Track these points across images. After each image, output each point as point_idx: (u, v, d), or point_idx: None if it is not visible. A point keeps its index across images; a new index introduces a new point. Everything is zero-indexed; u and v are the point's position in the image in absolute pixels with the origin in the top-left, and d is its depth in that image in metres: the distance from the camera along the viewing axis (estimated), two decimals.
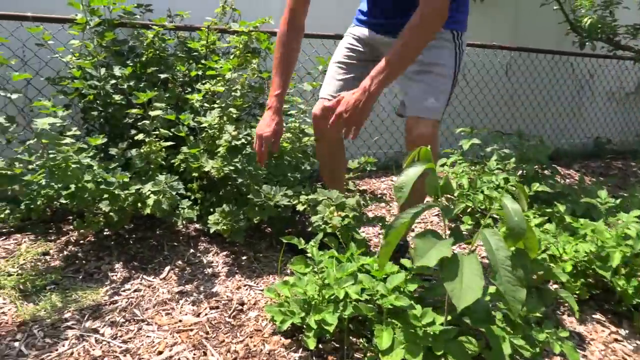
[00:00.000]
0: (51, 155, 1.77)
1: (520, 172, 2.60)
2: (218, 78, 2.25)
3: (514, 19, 4.12)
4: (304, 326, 1.32)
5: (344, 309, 1.26)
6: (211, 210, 2.09)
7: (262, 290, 1.74)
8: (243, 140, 2.00)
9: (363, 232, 2.30)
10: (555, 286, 1.83)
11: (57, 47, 2.19)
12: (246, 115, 2.34)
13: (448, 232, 1.48)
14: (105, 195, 1.90)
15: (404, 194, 1.10)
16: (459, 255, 1.09)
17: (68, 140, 1.83)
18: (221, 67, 2.24)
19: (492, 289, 1.29)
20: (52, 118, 1.77)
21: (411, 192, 1.09)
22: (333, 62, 1.86)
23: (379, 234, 2.30)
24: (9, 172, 1.85)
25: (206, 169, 1.98)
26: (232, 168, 1.93)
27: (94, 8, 2.21)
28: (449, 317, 1.24)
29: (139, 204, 1.92)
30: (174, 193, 1.85)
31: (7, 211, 2.07)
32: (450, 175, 2.56)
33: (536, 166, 2.60)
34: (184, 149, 2.15)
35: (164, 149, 2.07)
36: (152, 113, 1.83)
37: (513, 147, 2.79)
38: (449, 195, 2.57)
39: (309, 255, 1.53)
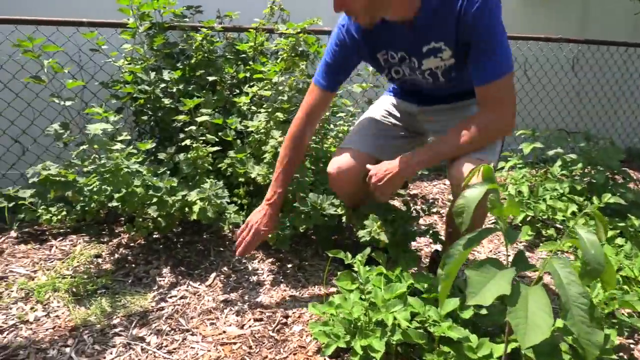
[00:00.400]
0: (102, 161, 1.80)
1: (588, 179, 2.39)
2: (265, 81, 2.22)
3: (582, 10, 3.82)
4: (350, 348, 1.26)
5: (392, 334, 1.19)
6: None
7: (307, 302, 1.69)
8: None
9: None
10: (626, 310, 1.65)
11: (110, 52, 2.24)
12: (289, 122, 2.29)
13: (509, 258, 1.36)
14: (154, 200, 1.92)
15: (465, 220, 1.00)
16: (523, 287, 0.98)
17: (118, 146, 1.85)
18: (269, 71, 2.21)
19: (558, 323, 1.17)
20: (104, 124, 1.80)
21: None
22: (368, 116, 1.79)
23: (430, 243, 2.20)
24: (62, 179, 1.92)
25: (252, 176, 1.96)
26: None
27: (145, 13, 2.23)
28: (509, 349, 1.14)
29: (186, 209, 1.93)
30: (219, 201, 1.83)
31: (64, 212, 2.15)
32: (508, 181, 2.41)
33: (607, 173, 2.38)
34: (231, 152, 2.14)
35: (210, 154, 2.07)
36: (199, 119, 1.82)
37: (579, 150, 2.58)
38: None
39: (356, 269, 1.47)
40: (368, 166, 1.49)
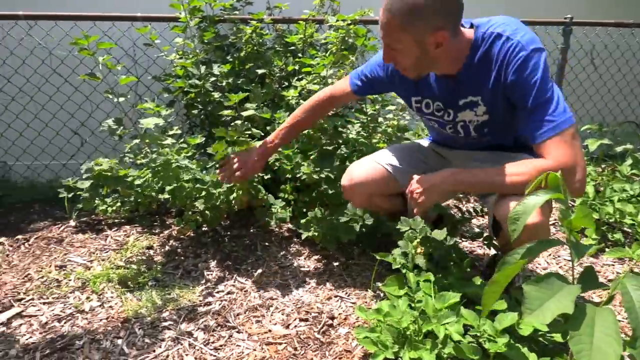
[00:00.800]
0: (153, 156, 1.83)
1: None
2: (313, 75, 2.17)
3: None
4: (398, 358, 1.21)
5: (443, 347, 1.13)
6: (304, 210, 2.05)
7: (353, 303, 1.66)
8: (336, 145, 1.90)
9: (465, 241, 2.10)
10: None
11: (163, 46, 2.27)
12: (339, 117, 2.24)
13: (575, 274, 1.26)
14: (203, 193, 1.94)
15: (518, 227, 0.92)
16: (590, 307, 0.89)
17: (169, 140, 1.88)
18: (317, 64, 2.16)
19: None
20: (156, 118, 1.82)
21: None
22: (403, 144, 1.82)
23: (484, 243, 2.08)
24: (113, 174, 1.99)
25: (298, 174, 1.93)
26: (322, 176, 1.87)
27: (195, 7, 2.24)
28: None
29: (232, 200, 1.96)
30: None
31: (119, 204, 2.23)
32: None
33: None
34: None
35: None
36: (244, 114, 1.80)
37: None
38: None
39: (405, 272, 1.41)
40: (412, 186, 1.40)
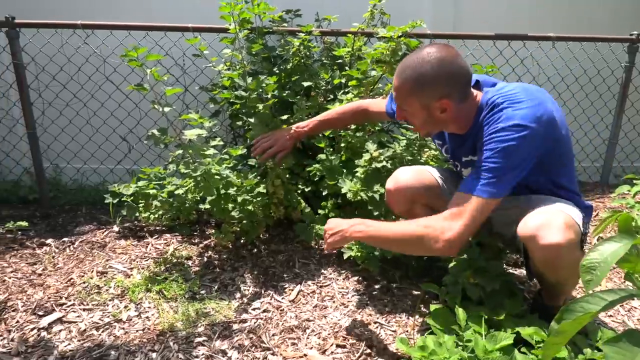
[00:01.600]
0: (195, 166, 1.83)
1: None
2: (361, 88, 2.12)
3: None
4: None
5: None
6: None
7: (394, 331, 1.57)
8: (384, 163, 1.83)
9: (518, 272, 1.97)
10: None
11: (211, 56, 2.28)
12: (384, 132, 2.18)
13: None
14: (239, 200, 1.94)
15: (596, 278, 0.81)
16: None
17: (211, 151, 1.88)
18: (365, 77, 2.11)
19: None
20: (199, 129, 1.82)
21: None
22: (449, 168, 1.80)
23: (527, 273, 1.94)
24: (150, 192, 2.07)
25: (343, 191, 1.88)
26: (369, 196, 1.80)
27: (245, 19, 2.24)
28: None
29: (271, 211, 1.97)
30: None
31: (161, 212, 2.24)
32: (636, 212, 2.05)
33: None
34: (322, 156, 2.11)
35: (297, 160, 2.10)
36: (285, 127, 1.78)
37: None
38: None
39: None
40: (327, 225, 1.47)
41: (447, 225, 1.22)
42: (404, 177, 1.63)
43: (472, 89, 1.35)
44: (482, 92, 1.35)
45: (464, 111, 1.33)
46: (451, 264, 1.53)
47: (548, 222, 1.19)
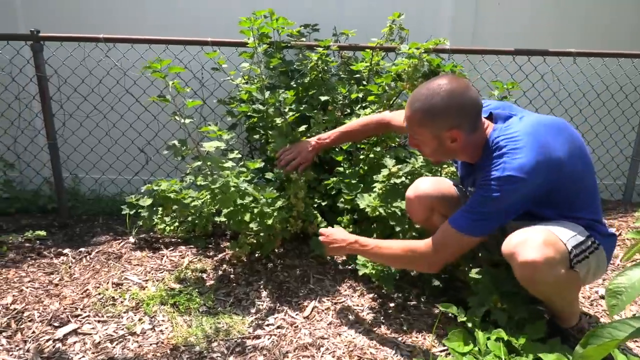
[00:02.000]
0: (214, 177, 1.85)
1: None
2: (377, 104, 2.12)
3: None
4: None
5: None
6: None
7: (410, 351, 1.53)
8: (403, 179, 1.82)
9: None
10: None
11: (230, 70, 2.30)
12: (402, 147, 2.17)
13: None
14: (256, 211, 1.92)
15: (621, 302, 0.79)
16: None
17: (229, 163, 1.88)
18: (385, 92, 2.10)
19: None
20: (217, 142, 1.83)
21: None
22: None
23: None
24: (171, 195, 2.06)
25: (361, 206, 1.87)
26: (389, 212, 1.80)
27: (264, 33, 2.27)
28: None
29: (288, 224, 2.00)
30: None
31: (177, 223, 2.24)
32: None
33: None
34: (339, 169, 2.13)
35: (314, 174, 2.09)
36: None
37: None
38: None
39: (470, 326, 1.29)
40: (321, 230, 1.68)
41: (427, 254, 1.39)
42: (424, 185, 1.68)
43: (484, 119, 1.39)
44: (492, 126, 1.39)
45: (474, 141, 1.37)
46: (475, 281, 1.51)
47: (526, 240, 1.25)
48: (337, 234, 1.62)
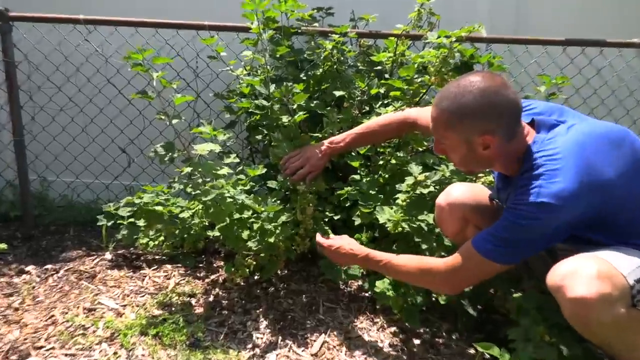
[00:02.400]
0: (206, 187, 1.80)
1: None
2: (402, 101, 2.07)
3: None
4: None
5: None
6: None
7: None
8: (431, 189, 1.79)
9: None
10: None
11: (229, 59, 2.27)
12: (430, 152, 2.12)
13: None
14: (255, 227, 1.88)
15: None
16: None
17: (225, 170, 1.83)
18: (410, 86, 2.06)
19: None
20: (211, 144, 1.78)
21: None
22: None
23: None
24: (156, 209, 2.03)
25: (380, 220, 1.82)
26: (414, 227, 1.75)
27: (270, 17, 2.25)
28: None
29: (293, 244, 1.96)
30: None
31: (162, 238, 2.20)
32: None
33: None
34: (355, 177, 2.10)
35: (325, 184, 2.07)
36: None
37: None
38: None
39: None
40: (319, 240, 1.74)
41: (445, 275, 1.41)
42: (458, 192, 1.66)
43: (525, 125, 1.36)
44: (533, 135, 1.35)
45: (511, 151, 1.34)
46: (518, 310, 1.48)
47: (575, 270, 1.19)
48: (344, 246, 1.65)
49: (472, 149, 1.34)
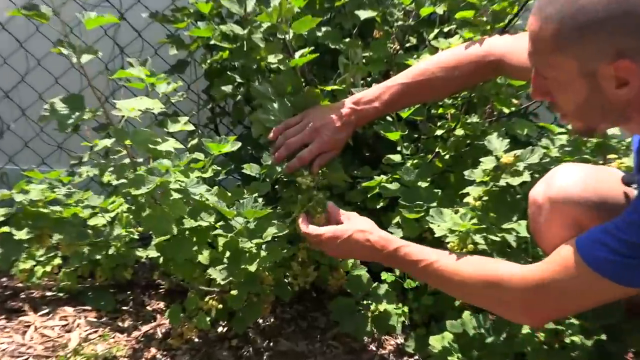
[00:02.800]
0: (136, 175, 1.74)
1: None
2: (476, 28, 2.05)
3: None
4: None
5: None
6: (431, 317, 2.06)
7: None
8: (524, 177, 1.81)
9: None
10: None
11: None
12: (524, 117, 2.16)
13: None
14: (222, 243, 1.85)
15: None
16: None
17: (169, 144, 1.75)
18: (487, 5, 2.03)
19: None
20: (147, 99, 1.76)
21: None
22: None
23: None
24: (50, 213, 2.02)
25: (437, 233, 1.82)
26: (496, 241, 1.79)
27: None
28: None
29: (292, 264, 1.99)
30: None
31: (58, 261, 2.14)
32: None
33: None
34: (394, 158, 2.13)
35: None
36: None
37: None
38: None
39: None
40: (305, 229, 1.75)
41: (522, 296, 1.45)
42: (568, 178, 1.62)
43: None
44: None
45: None
46: None
47: None
48: (354, 234, 1.68)
49: (597, 85, 1.28)
